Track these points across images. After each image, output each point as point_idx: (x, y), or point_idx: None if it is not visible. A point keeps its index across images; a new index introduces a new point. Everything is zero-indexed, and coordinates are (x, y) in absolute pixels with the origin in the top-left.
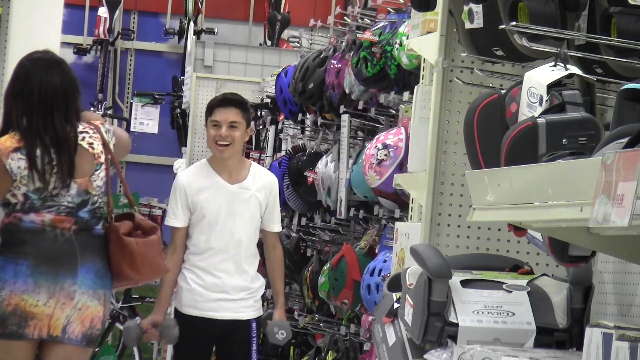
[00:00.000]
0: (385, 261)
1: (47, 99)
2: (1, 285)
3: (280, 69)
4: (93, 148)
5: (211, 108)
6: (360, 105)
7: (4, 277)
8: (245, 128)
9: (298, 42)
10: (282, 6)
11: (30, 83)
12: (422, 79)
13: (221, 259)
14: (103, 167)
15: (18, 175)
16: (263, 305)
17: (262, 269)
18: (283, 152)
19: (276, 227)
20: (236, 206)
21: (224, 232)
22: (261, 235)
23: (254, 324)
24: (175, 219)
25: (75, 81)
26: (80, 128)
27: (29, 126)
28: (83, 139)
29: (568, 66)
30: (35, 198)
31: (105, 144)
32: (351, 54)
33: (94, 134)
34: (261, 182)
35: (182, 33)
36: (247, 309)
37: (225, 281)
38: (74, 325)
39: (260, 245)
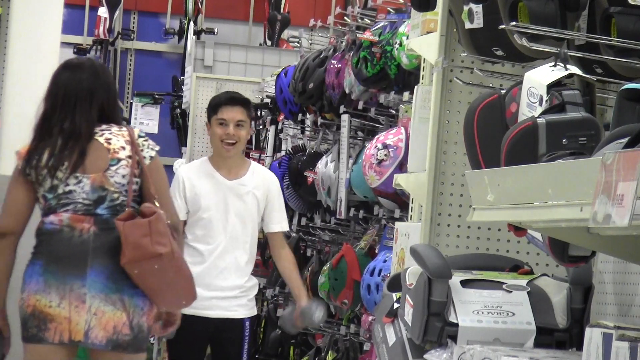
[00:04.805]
0: (385, 261)
1: (70, 95)
2: (23, 286)
3: (280, 69)
4: (110, 143)
5: (216, 106)
6: (360, 105)
7: (25, 278)
8: (249, 126)
9: (298, 42)
10: (282, 6)
11: (57, 83)
12: (422, 79)
13: (218, 255)
14: (122, 163)
15: (33, 177)
16: (263, 304)
17: (263, 269)
18: (283, 152)
19: (277, 226)
20: (232, 201)
21: (220, 227)
22: (268, 237)
23: (247, 323)
24: None
25: (105, 83)
26: (104, 127)
27: (49, 124)
28: (102, 134)
29: (568, 66)
30: (51, 197)
31: (133, 143)
32: (351, 54)
33: (117, 132)
34: (259, 179)
35: (182, 33)
36: (241, 308)
37: (220, 278)
38: (96, 331)
39: (263, 247)
